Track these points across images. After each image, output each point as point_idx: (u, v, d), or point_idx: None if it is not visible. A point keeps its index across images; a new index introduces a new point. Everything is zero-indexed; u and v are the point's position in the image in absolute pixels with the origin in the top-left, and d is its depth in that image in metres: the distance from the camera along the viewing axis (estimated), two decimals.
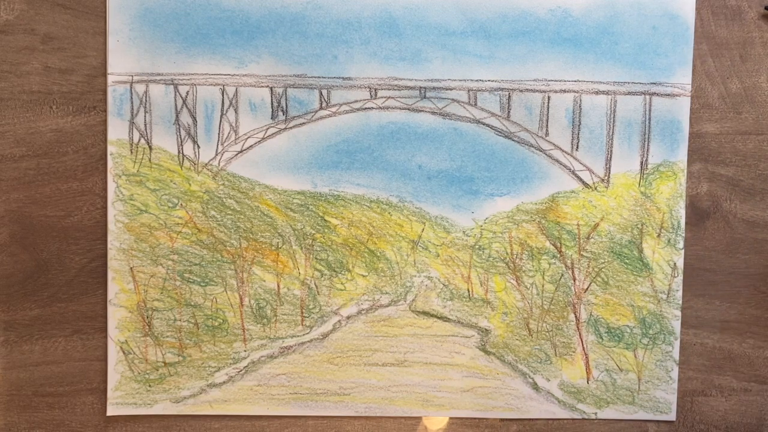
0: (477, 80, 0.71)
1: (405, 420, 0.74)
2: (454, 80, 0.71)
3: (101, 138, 0.71)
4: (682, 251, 0.73)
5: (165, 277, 0.72)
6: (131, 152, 0.71)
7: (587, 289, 0.73)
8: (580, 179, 0.72)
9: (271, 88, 0.71)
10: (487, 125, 0.72)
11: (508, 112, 0.72)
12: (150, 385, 0.73)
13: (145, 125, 0.71)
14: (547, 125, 0.72)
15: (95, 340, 0.73)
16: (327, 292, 0.73)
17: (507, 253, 0.73)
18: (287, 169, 0.72)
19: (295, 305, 0.73)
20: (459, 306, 0.74)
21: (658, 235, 0.73)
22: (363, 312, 0.74)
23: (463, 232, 0.73)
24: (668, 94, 0.71)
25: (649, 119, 0.72)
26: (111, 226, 0.71)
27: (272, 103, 0.71)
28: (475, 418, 0.74)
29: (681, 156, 0.72)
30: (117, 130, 0.71)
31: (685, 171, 0.72)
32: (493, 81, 0.71)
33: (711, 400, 0.75)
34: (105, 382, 0.73)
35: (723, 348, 0.75)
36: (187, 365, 0.73)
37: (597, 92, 0.71)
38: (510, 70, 0.71)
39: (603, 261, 0.73)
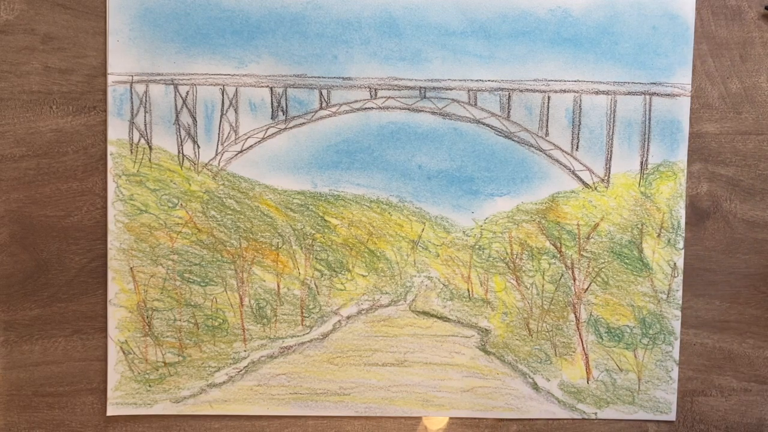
0: (477, 80, 0.71)
1: (405, 420, 0.74)
2: (454, 80, 0.71)
3: (101, 138, 0.71)
4: (682, 251, 0.73)
5: (165, 277, 0.72)
6: (131, 152, 0.71)
7: (587, 289, 0.73)
8: (580, 179, 0.72)
9: (271, 88, 0.71)
10: (487, 125, 0.72)
11: (508, 112, 0.72)
12: (150, 385, 0.73)
13: (145, 125, 0.71)
14: (547, 125, 0.72)
15: (95, 340, 0.73)
16: (327, 292, 0.73)
17: (507, 253, 0.73)
18: (287, 169, 0.72)
19: (295, 305, 0.73)
20: (459, 306, 0.74)
21: (658, 235, 0.73)
22: (363, 312, 0.74)
23: (463, 232, 0.73)
24: (668, 94, 0.71)
25: (649, 119, 0.72)
26: (111, 226, 0.71)
27: (272, 103, 0.71)
28: (475, 418, 0.74)
29: (681, 156, 0.72)
30: (117, 130, 0.71)
31: (685, 171, 0.72)
32: (493, 81, 0.71)
33: (711, 400, 0.75)
34: (105, 382, 0.73)
35: (723, 348, 0.75)
36: (187, 365, 0.73)
37: (597, 92, 0.71)
38: (510, 70, 0.71)
39: (603, 261, 0.73)
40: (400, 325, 0.74)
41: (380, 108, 0.71)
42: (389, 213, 0.73)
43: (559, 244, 0.73)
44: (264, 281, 0.73)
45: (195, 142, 0.71)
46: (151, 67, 0.70)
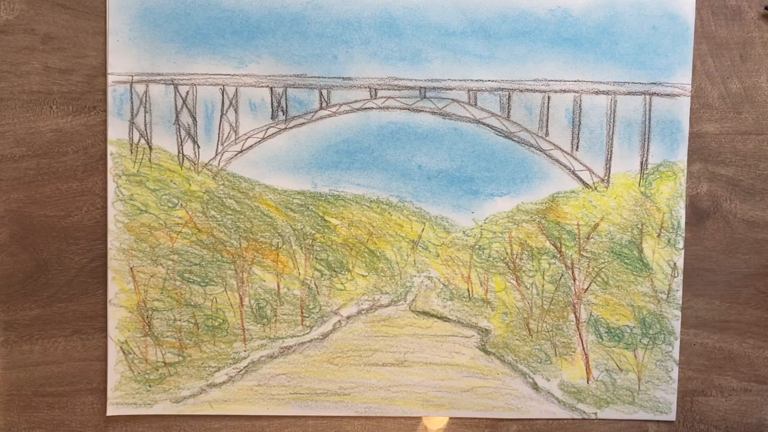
0: (477, 80, 0.71)
1: (405, 420, 0.74)
2: (454, 80, 0.71)
3: (101, 138, 0.71)
4: (682, 251, 0.73)
5: (165, 277, 0.72)
6: (131, 152, 0.71)
7: (587, 289, 0.73)
8: (580, 179, 0.72)
9: (271, 88, 0.71)
10: (487, 125, 0.72)
11: (508, 112, 0.72)
12: (150, 385, 0.73)
13: (145, 125, 0.71)
14: (547, 125, 0.72)
15: (95, 340, 0.73)
16: (327, 292, 0.73)
17: (507, 253, 0.73)
18: (287, 169, 0.72)
19: (295, 305, 0.73)
20: (459, 306, 0.74)
21: (658, 235, 0.73)
22: (363, 312, 0.74)
23: (463, 232, 0.73)
24: (668, 94, 0.71)
25: (649, 119, 0.72)
26: (111, 226, 0.71)
27: (272, 103, 0.71)
28: (474, 418, 0.74)
29: (681, 156, 0.72)
30: (117, 130, 0.71)
31: (685, 171, 0.72)
32: (493, 81, 0.71)
33: (711, 400, 0.75)
34: (105, 382, 0.73)
35: (723, 348, 0.75)
36: (187, 365, 0.73)
37: (597, 92, 0.71)
38: (510, 70, 0.71)
39: (603, 261, 0.73)
40: (400, 325, 0.74)
41: (380, 108, 0.71)
42: (389, 213, 0.73)
43: (559, 244, 0.73)
44: (264, 281, 0.73)
45: (195, 142, 0.71)
46: (151, 67, 0.70)
